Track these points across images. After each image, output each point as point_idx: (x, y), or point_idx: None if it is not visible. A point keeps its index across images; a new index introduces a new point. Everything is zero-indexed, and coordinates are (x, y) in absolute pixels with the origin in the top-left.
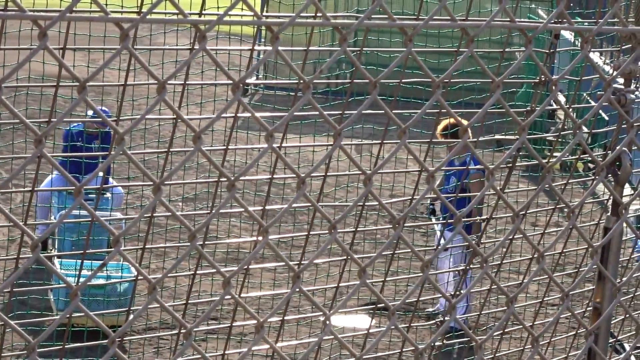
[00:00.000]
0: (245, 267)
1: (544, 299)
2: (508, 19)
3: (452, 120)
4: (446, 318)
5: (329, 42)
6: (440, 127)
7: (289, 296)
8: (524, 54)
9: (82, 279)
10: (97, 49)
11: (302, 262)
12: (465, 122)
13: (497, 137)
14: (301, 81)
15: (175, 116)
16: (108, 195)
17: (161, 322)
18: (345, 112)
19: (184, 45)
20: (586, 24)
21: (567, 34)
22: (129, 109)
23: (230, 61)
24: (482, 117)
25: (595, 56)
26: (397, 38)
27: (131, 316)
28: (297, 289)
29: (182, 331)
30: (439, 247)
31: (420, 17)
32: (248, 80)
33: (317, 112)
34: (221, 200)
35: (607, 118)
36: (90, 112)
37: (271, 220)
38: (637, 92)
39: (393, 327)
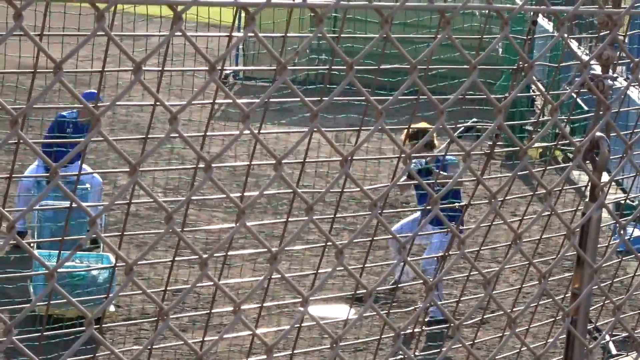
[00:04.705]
0: (223, 249)
1: (523, 285)
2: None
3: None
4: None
5: (307, 30)
6: (404, 136)
7: (267, 276)
8: (500, 36)
9: (61, 269)
10: (74, 35)
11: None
12: (431, 126)
13: (477, 124)
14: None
15: (153, 102)
16: (87, 185)
17: (141, 314)
18: (324, 98)
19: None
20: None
21: (546, 24)
22: (109, 101)
23: (209, 49)
24: (457, 100)
25: (573, 45)
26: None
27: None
28: (275, 270)
29: (159, 318)
30: (416, 231)
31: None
32: (226, 67)
33: (295, 99)
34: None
35: (586, 108)
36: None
37: (248, 202)
38: (617, 80)
39: (370, 308)
